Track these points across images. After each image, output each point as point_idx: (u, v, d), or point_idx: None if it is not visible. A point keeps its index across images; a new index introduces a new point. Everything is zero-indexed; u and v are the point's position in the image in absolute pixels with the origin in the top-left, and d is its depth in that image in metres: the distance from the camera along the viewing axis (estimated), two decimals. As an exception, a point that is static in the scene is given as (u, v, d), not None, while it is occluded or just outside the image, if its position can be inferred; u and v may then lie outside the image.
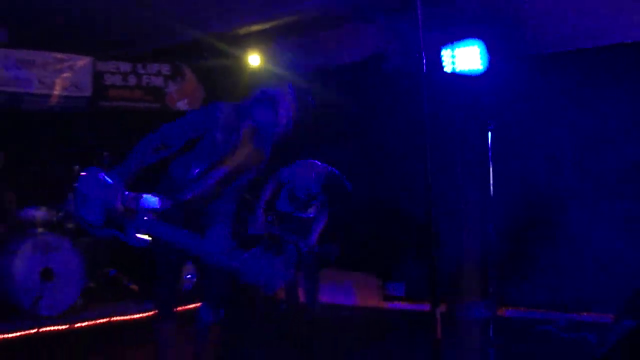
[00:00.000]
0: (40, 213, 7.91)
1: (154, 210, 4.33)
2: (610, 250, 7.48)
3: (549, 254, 8.09)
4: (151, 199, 4.31)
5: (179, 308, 8.05)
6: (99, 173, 4.31)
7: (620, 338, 3.71)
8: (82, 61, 10.28)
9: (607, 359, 3.75)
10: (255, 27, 9.88)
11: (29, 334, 6.71)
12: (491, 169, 7.58)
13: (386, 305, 9.09)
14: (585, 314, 7.38)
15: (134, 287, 8.72)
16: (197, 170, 4.59)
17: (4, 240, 7.79)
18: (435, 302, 3.38)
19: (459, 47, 8.12)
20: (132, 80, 10.51)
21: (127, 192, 4.20)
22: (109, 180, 4.21)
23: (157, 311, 4.73)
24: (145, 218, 4.25)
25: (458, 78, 8.17)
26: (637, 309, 5.14)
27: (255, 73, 10.65)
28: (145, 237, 4.28)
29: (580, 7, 7.95)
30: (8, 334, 6.61)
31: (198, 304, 8.14)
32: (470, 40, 8.04)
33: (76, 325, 7.12)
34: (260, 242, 6.53)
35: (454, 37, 8.11)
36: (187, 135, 4.49)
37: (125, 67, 10.51)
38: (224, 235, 4.59)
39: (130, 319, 7.64)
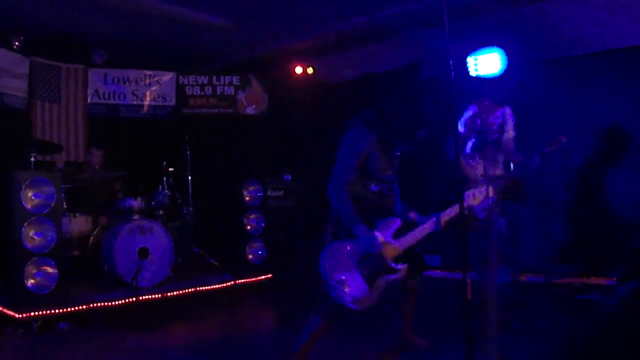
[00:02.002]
0: (136, 203, 8.03)
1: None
2: (615, 223, 7.34)
3: (563, 227, 7.99)
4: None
5: (252, 279, 8.21)
6: (341, 247, 4.12)
7: (623, 297, 3.64)
8: (167, 76, 10.42)
9: (612, 315, 3.68)
10: (308, 43, 9.88)
11: (130, 302, 6.81)
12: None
13: (425, 273, 9.04)
14: (595, 278, 7.25)
15: (215, 262, 8.79)
16: None
17: (109, 225, 7.94)
18: (466, 270, 3.36)
19: (481, 54, 8.03)
20: (208, 91, 10.60)
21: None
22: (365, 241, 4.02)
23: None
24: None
25: (481, 81, 8.09)
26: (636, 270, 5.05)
27: (308, 81, 10.66)
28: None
29: (584, 17, 7.81)
30: (114, 301, 6.72)
31: (269, 275, 8.28)
32: (491, 48, 7.95)
33: (168, 294, 7.20)
34: None
35: (477, 45, 8.02)
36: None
37: (202, 79, 10.60)
38: None
39: (212, 288, 7.70)
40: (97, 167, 8.75)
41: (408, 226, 4.31)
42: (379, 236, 4.05)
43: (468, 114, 6.62)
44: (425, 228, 4.21)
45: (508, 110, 6.66)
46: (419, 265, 4.58)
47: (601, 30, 7.75)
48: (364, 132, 4.25)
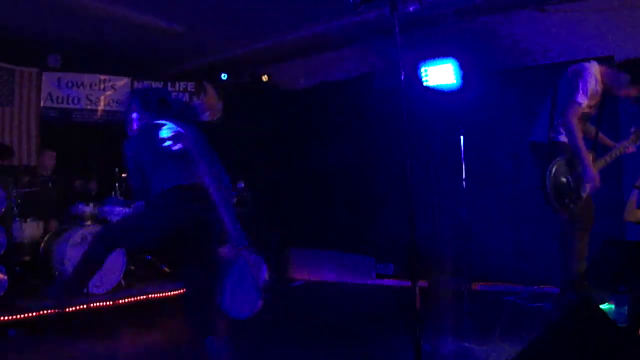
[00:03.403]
0: (88, 208, 7.97)
1: None
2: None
3: (514, 236, 8.11)
4: None
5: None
6: None
7: (569, 306, 3.73)
8: (122, 81, 10.33)
9: (559, 325, 3.77)
10: (263, 51, 9.93)
11: (81, 308, 6.74)
12: (463, 165, 7.59)
13: (378, 282, 9.11)
14: (544, 286, 7.37)
15: (166, 269, 8.76)
16: None
17: (60, 231, 7.86)
18: (415, 279, 3.42)
19: (435, 64, 8.14)
20: (163, 96, 10.54)
21: None
22: None
23: None
24: None
25: (436, 91, 8.19)
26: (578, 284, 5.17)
27: (264, 89, 10.69)
28: None
29: (538, 30, 7.98)
30: (63, 309, 6.65)
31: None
32: (446, 59, 8.06)
33: (119, 301, 7.16)
34: None
35: (432, 55, 8.13)
36: None
37: (157, 85, 10.54)
38: None
39: (164, 295, 7.68)
40: (49, 170, 8.67)
41: None
42: None
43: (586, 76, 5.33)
44: None
45: None
46: None
47: (552, 44, 7.95)
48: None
